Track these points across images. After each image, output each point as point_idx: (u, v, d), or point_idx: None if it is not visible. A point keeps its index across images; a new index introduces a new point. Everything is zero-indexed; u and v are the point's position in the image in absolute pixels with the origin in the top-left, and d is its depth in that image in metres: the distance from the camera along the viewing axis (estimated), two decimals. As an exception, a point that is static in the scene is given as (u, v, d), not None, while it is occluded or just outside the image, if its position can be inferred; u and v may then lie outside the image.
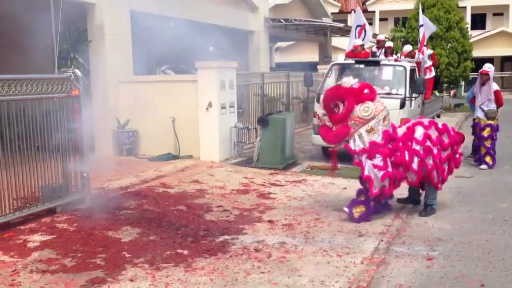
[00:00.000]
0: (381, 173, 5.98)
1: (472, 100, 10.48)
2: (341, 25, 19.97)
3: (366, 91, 6.09)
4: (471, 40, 23.68)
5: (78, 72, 6.46)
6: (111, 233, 5.56)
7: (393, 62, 10.33)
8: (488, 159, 9.35)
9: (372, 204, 6.14)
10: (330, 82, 10.57)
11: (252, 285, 4.30)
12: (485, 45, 33.41)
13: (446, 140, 6.36)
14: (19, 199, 5.94)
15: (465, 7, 35.23)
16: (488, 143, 9.34)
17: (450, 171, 6.57)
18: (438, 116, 13.74)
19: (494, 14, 38.75)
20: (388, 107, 9.15)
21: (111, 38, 10.28)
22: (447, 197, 7.29)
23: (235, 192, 7.55)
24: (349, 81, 6.13)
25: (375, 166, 5.99)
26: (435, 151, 6.23)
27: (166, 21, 11.80)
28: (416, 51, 12.58)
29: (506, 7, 37.58)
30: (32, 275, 4.46)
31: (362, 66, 10.35)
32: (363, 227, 5.88)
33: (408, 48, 12.41)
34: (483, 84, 9.43)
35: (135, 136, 10.39)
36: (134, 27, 10.74)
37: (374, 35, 15.77)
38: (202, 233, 5.60)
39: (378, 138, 6.03)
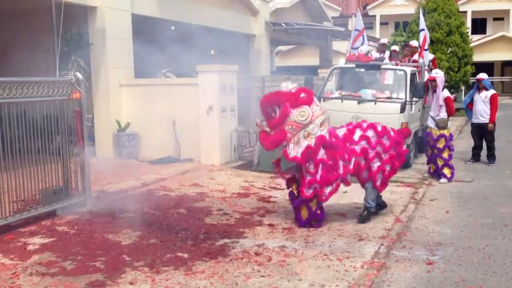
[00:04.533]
0: (309, 177, 5.85)
1: (469, 105, 10.42)
2: (342, 29, 19.99)
3: (302, 95, 5.88)
4: (472, 45, 23.71)
5: (79, 75, 6.49)
6: (111, 236, 5.56)
7: (393, 66, 10.32)
8: (446, 171, 8.66)
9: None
10: (331, 85, 10.59)
11: (252, 289, 4.30)
12: (486, 50, 33.48)
13: (387, 142, 6.16)
14: (19, 202, 5.94)
15: (465, 12, 35.34)
16: (445, 155, 8.64)
17: (393, 171, 6.35)
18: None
19: (495, 19, 38.88)
20: (389, 111, 9.35)
21: (112, 41, 10.31)
22: (447, 201, 7.29)
23: (236, 195, 7.55)
24: (287, 86, 5.96)
25: (307, 171, 5.86)
26: (372, 154, 6.07)
27: (168, 25, 11.83)
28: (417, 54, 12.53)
29: (507, 12, 37.72)
30: (32, 278, 4.46)
31: (362, 70, 10.35)
32: (363, 231, 5.88)
33: (414, 43, 12.29)
34: (434, 91, 8.90)
35: (136, 139, 10.39)
36: (135, 30, 10.77)
37: (374, 39, 15.72)
38: (202, 237, 5.60)
39: (313, 142, 5.81)
